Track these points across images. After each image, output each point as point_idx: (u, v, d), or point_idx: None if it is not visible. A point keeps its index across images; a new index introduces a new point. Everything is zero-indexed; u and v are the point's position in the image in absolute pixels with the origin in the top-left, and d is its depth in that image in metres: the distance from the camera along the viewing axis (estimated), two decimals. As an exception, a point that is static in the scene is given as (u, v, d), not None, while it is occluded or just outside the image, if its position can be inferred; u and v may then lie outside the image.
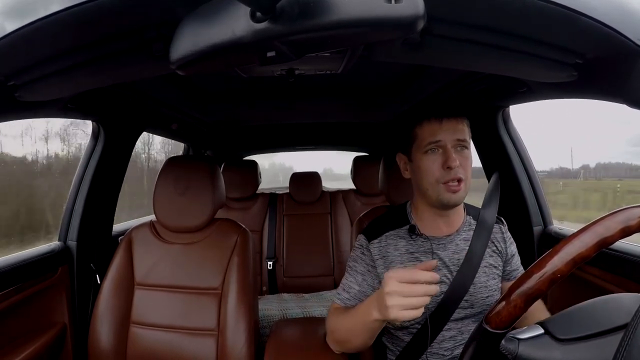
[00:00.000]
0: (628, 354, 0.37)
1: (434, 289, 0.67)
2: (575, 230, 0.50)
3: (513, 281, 0.53)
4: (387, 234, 0.93)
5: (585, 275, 1.05)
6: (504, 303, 0.48)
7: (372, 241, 0.93)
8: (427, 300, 0.68)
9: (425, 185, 0.87)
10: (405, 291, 0.67)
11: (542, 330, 0.48)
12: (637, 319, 0.38)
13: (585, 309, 0.50)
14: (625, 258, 0.93)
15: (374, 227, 0.96)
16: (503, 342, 0.48)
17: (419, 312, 0.68)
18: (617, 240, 0.47)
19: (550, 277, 0.46)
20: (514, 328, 0.50)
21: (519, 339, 0.48)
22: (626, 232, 0.47)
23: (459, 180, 0.83)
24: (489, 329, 0.48)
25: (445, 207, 0.87)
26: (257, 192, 2.45)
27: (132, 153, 1.50)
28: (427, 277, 0.67)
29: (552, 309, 1.20)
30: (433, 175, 0.85)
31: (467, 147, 0.87)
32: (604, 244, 0.47)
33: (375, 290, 0.91)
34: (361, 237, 0.96)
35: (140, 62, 0.65)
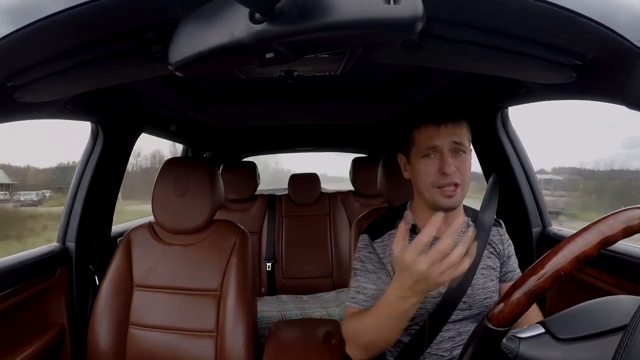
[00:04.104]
0: (627, 354, 0.37)
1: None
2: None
3: (509, 282, 0.52)
4: (390, 232, 0.93)
5: (584, 276, 1.06)
6: (506, 300, 0.48)
7: (376, 240, 0.93)
8: (460, 250, 0.65)
9: (422, 188, 0.87)
10: (434, 257, 0.65)
11: (542, 330, 0.48)
12: (636, 321, 0.38)
13: (586, 309, 0.50)
14: (624, 259, 0.94)
15: (375, 226, 0.96)
16: (504, 340, 0.48)
17: (461, 267, 0.65)
18: (619, 240, 0.48)
19: (554, 274, 0.46)
20: (513, 328, 0.50)
21: (519, 338, 0.48)
22: (628, 232, 0.47)
23: (456, 185, 0.83)
24: (491, 326, 0.48)
25: (441, 210, 0.86)
26: (256, 193, 2.45)
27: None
28: (429, 232, 0.66)
29: (551, 310, 1.21)
30: (429, 178, 0.85)
31: (464, 151, 0.86)
32: (607, 242, 0.47)
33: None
34: (365, 237, 0.95)
35: (139, 63, 0.65)
